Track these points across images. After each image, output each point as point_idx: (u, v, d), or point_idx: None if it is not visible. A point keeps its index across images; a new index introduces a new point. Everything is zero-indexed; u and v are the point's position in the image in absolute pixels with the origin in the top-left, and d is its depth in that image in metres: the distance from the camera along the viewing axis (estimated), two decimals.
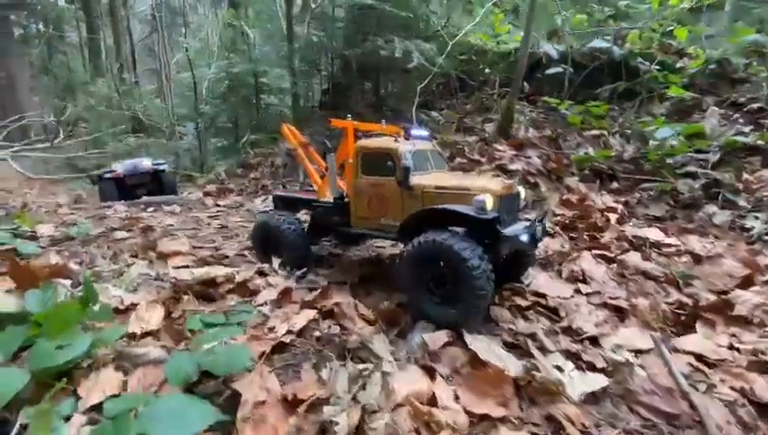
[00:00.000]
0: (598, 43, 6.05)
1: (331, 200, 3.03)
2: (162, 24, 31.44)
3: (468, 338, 1.96)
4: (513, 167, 4.82)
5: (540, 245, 2.90)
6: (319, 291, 2.60)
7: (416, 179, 2.56)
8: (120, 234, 3.98)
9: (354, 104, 8.79)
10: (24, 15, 30.14)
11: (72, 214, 4.85)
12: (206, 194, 5.73)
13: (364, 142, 2.86)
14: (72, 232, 3.86)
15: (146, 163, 6.80)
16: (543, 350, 2.05)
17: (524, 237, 2.24)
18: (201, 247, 3.67)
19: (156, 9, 24.74)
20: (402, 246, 2.75)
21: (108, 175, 6.36)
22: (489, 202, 2.18)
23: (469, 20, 7.87)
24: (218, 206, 5.10)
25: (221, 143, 11.27)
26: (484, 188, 2.35)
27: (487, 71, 7.96)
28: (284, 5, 8.86)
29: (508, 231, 2.29)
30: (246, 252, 3.59)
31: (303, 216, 3.52)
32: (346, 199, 2.97)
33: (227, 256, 3.47)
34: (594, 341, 2.20)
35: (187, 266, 3.19)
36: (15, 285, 2.42)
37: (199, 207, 5.11)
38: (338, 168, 3.23)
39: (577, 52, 6.85)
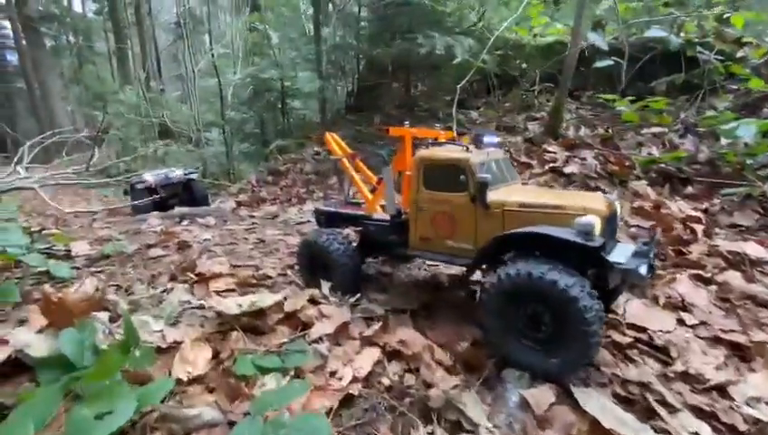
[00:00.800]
0: (654, 32, 5.55)
1: (387, 218, 2.72)
2: (187, 31, 31.80)
3: (580, 395, 1.61)
4: (568, 170, 4.41)
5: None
6: (379, 324, 2.30)
7: (493, 195, 2.19)
8: (156, 251, 3.78)
9: (383, 105, 8.49)
10: (55, 27, 30.99)
11: (106, 227, 4.71)
12: (239, 204, 5.51)
13: (428, 153, 2.49)
14: (106, 250, 3.67)
15: (177, 172, 6.66)
16: (666, 406, 1.68)
17: (643, 269, 1.83)
18: (241, 266, 3.42)
19: (181, 17, 24.97)
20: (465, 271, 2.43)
21: (140, 185, 6.24)
22: (598, 225, 1.81)
23: (504, 13, 7.44)
24: (253, 217, 4.87)
25: (247, 149, 11.13)
26: (585, 208, 1.97)
27: (525, 66, 7.51)
28: (312, 7, 8.61)
29: (617, 259, 1.89)
30: (289, 271, 3.32)
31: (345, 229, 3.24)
32: (404, 217, 2.63)
33: (269, 277, 3.21)
34: (721, 391, 1.81)
35: (229, 291, 2.94)
36: (49, 323, 2.21)
37: (234, 218, 4.89)
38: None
39: (626, 42, 6.34)
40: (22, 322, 2.53)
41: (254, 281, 3.09)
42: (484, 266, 2.46)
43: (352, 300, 2.59)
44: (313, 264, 2.87)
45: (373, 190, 2.91)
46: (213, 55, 11.90)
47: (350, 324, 2.32)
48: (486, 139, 2.47)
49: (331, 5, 9.22)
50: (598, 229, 1.79)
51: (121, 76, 30.38)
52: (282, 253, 3.75)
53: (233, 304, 2.28)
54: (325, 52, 8.55)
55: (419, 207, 2.44)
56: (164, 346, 2.11)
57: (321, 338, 2.20)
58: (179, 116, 23.38)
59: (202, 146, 15.27)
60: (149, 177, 6.46)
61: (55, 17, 28.92)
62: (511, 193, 2.25)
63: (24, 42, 27.46)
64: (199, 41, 33.55)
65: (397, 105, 7.88)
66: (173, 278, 3.11)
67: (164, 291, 2.90)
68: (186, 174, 6.68)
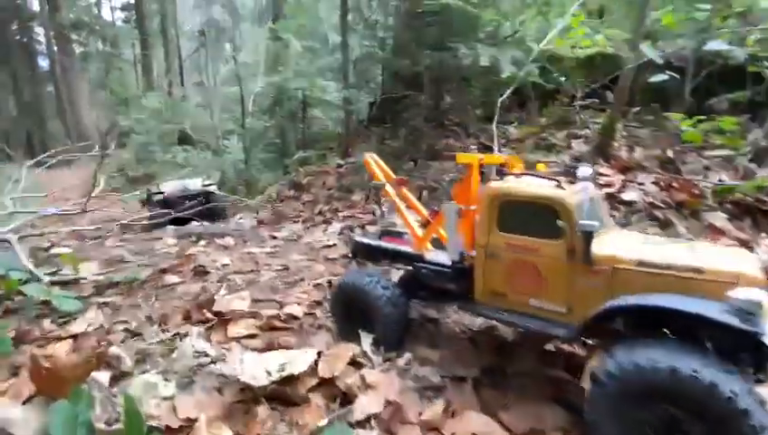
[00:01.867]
0: (716, 44, 5.02)
1: (445, 261, 2.20)
2: (209, 41, 32.20)
3: None
4: (627, 197, 3.89)
5: None
6: (440, 403, 1.82)
7: (596, 247, 1.68)
8: (171, 278, 3.37)
9: (410, 118, 8.04)
10: (85, 35, 31.53)
11: (119, 246, 4.33)
12: (260, 222, 5.10)
13: (506, 186, 1.98)
14: (117, 278, 3.28)
15: (195, 184, 6.31)
16: None
17: None
18: (263, 301, 2.98)
19: (206, 25, 25.14)
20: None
21: (157, 197, 5.89)
22: (763, 304, 1.31)
23: (541, 23, 6.95)
24: (275, 238, 4.45)
25: (266, 158, 10.78)
26: (739, 274, 1.46)
27: (563, 79, 6.99)
28: (339, 17, 8.26)
29: None
30: (318, 310, 2.87)
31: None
32: (468, 263, 2.12)
33: (296, 317, 2.76)
34: None
35: (251, 336, 2.50)
36: (38, 390, 1.78)
37: (254, 238, 4.48)
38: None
39: (677, 55, 5.80)
40: (15, 374, 2.13)
41: (279, 324, 2.64)
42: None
43: (402, 363, 2.11)
44: (350, 311, 2.40)
45: (425, 225, 2.43)
46: (235, 62, 11.61)
47: (403, 399, 1.85)
48: (581, 172, 1.97)
49: (356, 15, 8.86)
50: (765, 309, 1.29)
51: (145, 83, 30.75)
52: (307, 283, 3.30)
53: (260, 372, 1.82)
54: (351, 61, 8.17)
55: (491, 253, 1.95)
56: (174, 426, 1.67)
57: (368, 420, 1.73)
58: (199, 123, 23.38)
59: (221, 154, 15.05)
60: (167, 188, 6.11)
61: (86, 25, 29.40)
62: (620, 244, 1.74)
63: (55, 48, 27.92)
64: (221, 49, 33.84)
65: (425, 118, 7.42)
66: (187, 317, 2.68)
67: (176, 334, 2.47)
68: (204, 186, 6.32)
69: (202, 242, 4.22)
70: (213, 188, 6.39)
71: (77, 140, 29.35)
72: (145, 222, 6.43)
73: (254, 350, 2.31)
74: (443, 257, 2.28)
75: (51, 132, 30.88)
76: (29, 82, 29.81)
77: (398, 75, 9.13)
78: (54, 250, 4.00)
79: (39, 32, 29.77)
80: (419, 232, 2.45)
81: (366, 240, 2.73)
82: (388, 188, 2.70)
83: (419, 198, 4.94)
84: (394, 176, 2.82)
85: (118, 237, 5.50)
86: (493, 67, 5.24)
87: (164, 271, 3.58)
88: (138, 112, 23.26)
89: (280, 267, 3.64)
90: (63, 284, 3.25)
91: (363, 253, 2.77)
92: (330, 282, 3.24)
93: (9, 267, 3.10)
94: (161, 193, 5.99)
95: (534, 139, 6.00)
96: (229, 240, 4.32)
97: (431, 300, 2.55)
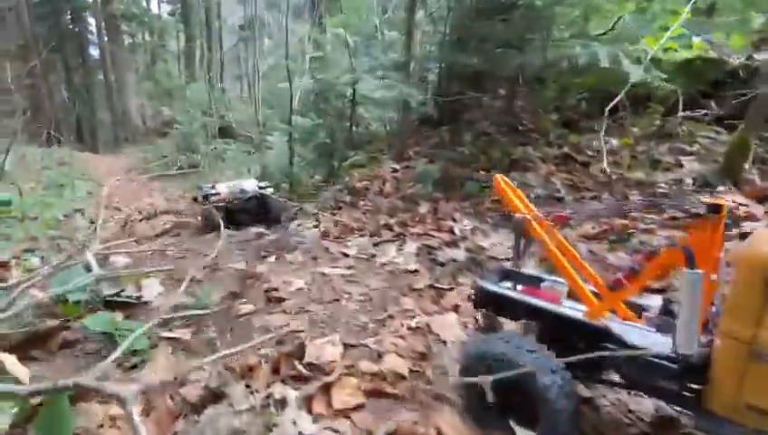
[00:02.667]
0: None
1: (663, 350, 1.53)
2: (255, 33, 32.37)
3: None
4: None
5: None
6: None
7: None
8: (245, 307, 2.88)
9: (473, 121, 7.37)
10: (134, 26, 32.17)
11: (181, 257, 3.89)
12: (325, 234, 4.58)
13: None
14: (187, 303, 2.81)
15: (252, 185, 5.85)
16: None
17: None
18: (355, 348, 2.44)
19: (252, 20, 25.21)
20: None
21: (213, 198, 5.47)
22: None
23: (640, 21, 6.13)
24: (346, 255, 3.92)
25: (311, 156, 10.31)
26: None
27: (658, 84, 6.16)
28: (406, 9, 7.65)
29: None
30: (427, 368, 2.31)
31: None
32: (702, 356, 1.47)
33: (402, 376, 2.21)
34: None
35: (359, 408, 1.96)
36: None
37: (323, 254, 3.96)
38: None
39: None
40: None
41: (388, 388, 2.09)
42: None
43: None
44: (493, 391, 1.82)
45: (615, 287, 1.78)
46: (286, 56, 11.18)
47: None
48: None
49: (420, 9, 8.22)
50: None
51: (188, 74, 31.12)
52: (399, 323, 2.75)
53: None
54: (414, 58, 7.56)
55: (758, 353, 1.32)
56: None
57: None
58: (241, 116, 23.40)
59: (263, 149, 14.77)
60: (223, 188, 5.67)
61: (135, 16, 29.95)
62: None
63: (105, 38, 28.56)
64: (261, 44, 33.92)
65: (494, 122, 6.73)
66: (276, 370, 2.17)
67: (269, 397, 1.95)
68: (260, 187, 5.86)
69: (271, 258, 3.73)
70: (269, 191, 5.92)
71: (123, 127, 30.05)
72: (199, 222, 6.06)
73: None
74: (643, 335, 1.65)
75: (99, 119, 31.70)
76: (80, 70, 30.64)
77: (454, 73, 8.46)
78: (112, 259, 3.60)
79: (91, 22, 30.51)
80: (589, 295, 1.82)
81: (501, 290, 2.13)
82: (536, 225, 2.09)
83: (505, 218, 4.31)
84: (535, 210, 2.20)
85: (172, 239, 5.13)
86: (616, 68, 4.50)
87: (234, 294, 3.10)
88: (181, 103, 23.47)
89: (362, 297, 3.10)
90: (125, 307, 2.82)
91: (493, 305, 2.17)
92: (429, 327, 2.68)
93: (69, 286, 2.69)
94: (217, 194, 5.57)
95: (629, 152, 5.24)
96: (297, 255, 3.82)
97: (595, 381, 1.94)
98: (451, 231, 4.27)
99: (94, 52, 32.79)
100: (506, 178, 2.33)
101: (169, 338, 2.46)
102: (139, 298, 2.89)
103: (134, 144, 29.03)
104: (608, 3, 6.14)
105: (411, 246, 4.03)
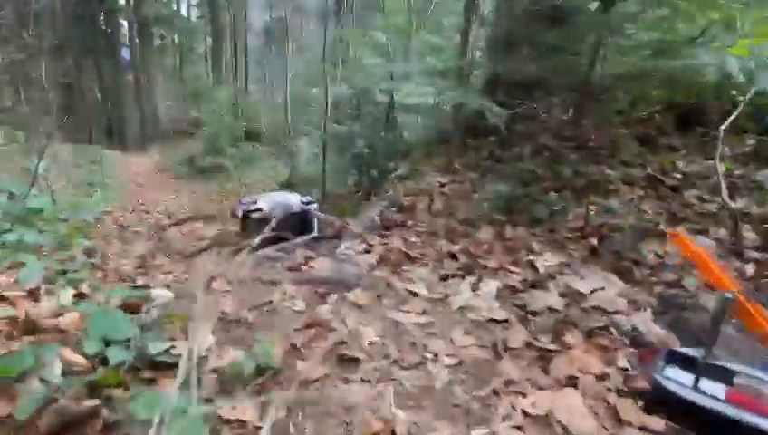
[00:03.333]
0: None
1: None
2: (274, 39, 32.28)
3: None
4: None
5: None
6: None
7: None
8: (313, 368, 2.31)
9: (528, 134, 6.69)
10: (165, 29, 32.35)
11: (227, 292, 3.35)
12: (382, 261, 4.00)
13: None
14: (244, 364, 2.25)
15: (295, 200, 5.31)
16: None
17: None
18: None
19: (279, 22, 24.99)
20: None
21: (256, 215, 4.95)
22: None
23: (726, 29, 5.39)
24: (413, 294, 3.32)
25: (343, 165, 9.75)
26: None
27: (742, 98, 5.41)
28: (464, 13, 7.04)
29: None
30: None
31: None
32: None
33: None
34: None
35: None
36: None
37: (385, 290, 3.37)
38: None
39: None
40: None
41: None
42: None
43: None
44: None
45: None
46: (323, 58, 10.65)
47: None
48: None
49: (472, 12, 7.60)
50: None
51: (215, 77, 31.19)
52: (509, 402, 2.14)
53: None
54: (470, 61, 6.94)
55: None
56: None
57: None
58: (267, 120, 23.10)
59: (292, 155, 14.30)
60: (265, 203, 5.16)
61: (166, 19, 30.10)
62: None
63: (136, 40, 28.73)
64: (284, 48, 33.88)
65: (555, 135, 6.05)
66: None
67: None
68: (304, 203, 5.32)
69: (332, 297, 3.15)
70: (314, 207, 5.38)
71: (152, 127, 30.20)
72: (238, 236, 5.56)
73: None
74: None
75: (128, 119, 32.00)
76: (111, 71, 30.93)
77: (501, 80, 7.80)
78: (153, 293, 3.07)
79: (124, 24, 30.80)
80: None
81: (706, 402, 1.50)
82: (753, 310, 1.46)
83: (593, 253, 3.66)
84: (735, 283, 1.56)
85: (212, 259, 4.61)
86: (729, 77, 3.82)
87: (295, 347, 2.53)
88: (207, 105, 23.37)
89: (451, 360, 2.49)
90: (169, 367, 2.27)
91: (674, 409, 1.55)
92: (551, 414, 2.05)
93: (108, 336, 2.16)
94: (259, 210, 5.05)
95: (714, 176, 4.51)
96: (360, 293, 3.23)
97: None
98: (532, 266, 3.63)
99: (125, 53, 33.20)
100: (683, 235, 1.70)
101: (232, 420, 1.90)
102: (190, 354, 2.34)
103: (161, 144, 29.16)
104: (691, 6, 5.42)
105: (489, 285, 3.41)
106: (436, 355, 2.51)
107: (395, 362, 2.43)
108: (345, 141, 8.81)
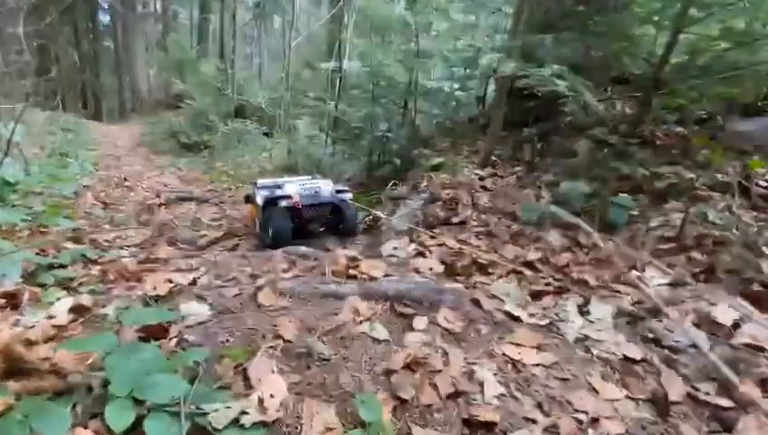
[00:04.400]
0: None
1: None
2: (264, 14, 30.65)
3: None
4: None
5: None
6: None
7: None
8: None
9: (556, 120, 6.00)
10: None
11: (269, 312, 2.50)
12: (448, 268, 3.25)
13: None
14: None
15: (328, 189, 4.46)
16: None
17: None
18: None
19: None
20: None
21: (283, 202, 4.06)
22: None
23: None
24: (512, 318, 2.59)
25: (358, 150, 8.88)
26: None
27: None
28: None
29: None
30: None
31: None
32: None
33: None
34: None
35: None
36: None
37: (475, 311, 2.62)
38: None
39: None
40: None
41: None
42: None
43: None
44: None
45: None
46: (342, 38, 9.62)
47: None
48: None
49: None
50: None
51: (201, 49, 29.29)
52: None
53: None
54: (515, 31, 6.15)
55: None
56: None
57: None
58: (256, 96, 21.64)
59: (291, 135, 13.22)
60: (292, 189, 4.27)
61: None
62: None
63: (118, 6, 26.51)
64: (275, 24, 32.30)
65: (613, 131, 5.39)
66: None
67: None
68: (338, 191, 4.48)
69: (421, 323, 2.38)
70: (348, 196, 4.54)
71: (131, 97, 28.15)
72: (251, 228, 4.67)
73: None
74: None
75: (105, 86, 29.72)
76: (89, 35, 28.50)
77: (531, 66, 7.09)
78: (184, 309, 2.21)
79: None
80: None
81: None
82: None
83: (709, 272, 3.03)
84: None
85: (228, 252, 3.74)
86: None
87: (402, 402, 1.77)
88: (193, 77, 21.73)
89: (616, 427, 1.79)
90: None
91: None
92: None
93: (141, 394, 1.35)
94: (286, 196, 4.16)
95: None
96: (449, 315, 2.48)
97: None
98: (638, 284, 2.96)
99: (104, 18, 30.76)
100: None
101: None
102: (264, 411, 1.53)
103: (141, 115, 27.28)
104: None
105: (599, 309, 2.72)
106: (594, 419, 1.80)
107: (545, 430, 1.70)
108: (359, 124, 7.92)
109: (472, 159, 6.50)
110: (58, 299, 2.31)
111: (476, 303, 2.70)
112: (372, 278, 3.08)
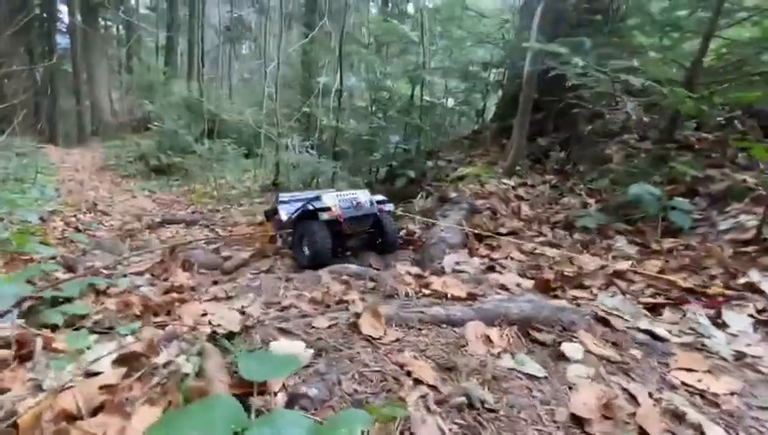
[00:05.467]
0: None
1: None
2: (233, 37, 30.22)
3: None
4: None
5: None
6: None
7: None
8: None
9: (606, 133, 5.83)
10: (110, 15, 28.89)
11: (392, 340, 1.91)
12: (540, 285, 2.79)
13: None
14: None
15: (367, 199, 3.91)
16: None
17: None
18: None
19: (233, 22, 23.15)
20: None
21: (325, 215, 3.46)
22: None
23: None
24: (654, 336, 2.15)
25: (356, 164, 8.44)
26: None
27: None
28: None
29: None
30: None
31: None
32: None
33: None
34: None
35: None
36: None
37: (602, 330, 2.16)
38: None
39: None
40: None
41: None
42: None
43: None
44: None
45: None
46: (339, 50, 9.23)
47: None
48: None
49: None
50: None
51: (169, 71, 28.23)
52: None
53: None
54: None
55: None
56: None
57: None
58: (231, 115, 20.82)
59: (279, 152, 12.53)
60: (330, 200, 3.69)
61: (110, 6, 26.68)
62: None
63: (78, 26, 25.20)
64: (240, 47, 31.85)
65: (641, 135, 5.25)
66: None
67: None
68: (378, 202, 3.94)
69: (572, 348, 1.87)
70: (390, 207, 4.01)
71: (92, 120, 26.49)
72: (278, 246, 4.04)
73: None
74: None
75: (63, 110, 27.80)
76: (44, 58, 26.73)
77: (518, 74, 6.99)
78: (275, 346, 1.60)
79: (62, 9, 27.05)
80: None
81: None
82: None
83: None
84: None
85: (269, 278, 3.10)
86: None
87: None
88: (162, 98, 20.69)
89: None
90: None
91: None
92: None
93: None
94: (325, 208, 3.58)
95: None
96: (589, 338, 2.00)
97: None
98: (754, 289, 2.64)
99: (63, 40, 29.17)
100: None
101: None
102: None
103: (104, 139, 25.65)
104: None
105: (734, 320, 2.35)
106: None
107: None
108: (369, 136, 7.48)
109: (490, 169, 6.19)
110: (88, 348, 1.63)
111: (604, 322, 2.24)
112: (457, 298, 2.58)
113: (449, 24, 7.26)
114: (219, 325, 1.85)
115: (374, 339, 1.80)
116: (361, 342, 1.78)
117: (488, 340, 1.86)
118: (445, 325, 1.99)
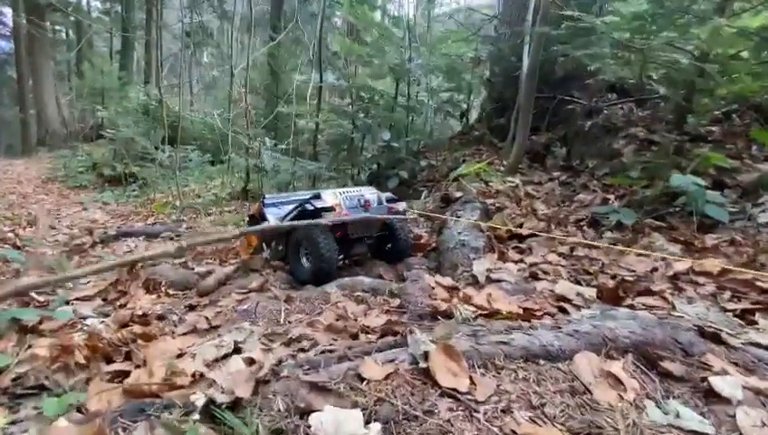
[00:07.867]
0: None
1: None
2: (193, 43, 29.04)
3: None
4: None
5: None
6: None
7: None
8: None
9: (610, 127, 5.51)
10: (59, 19, 26.77)
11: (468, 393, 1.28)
12: (603, 295, 2.27)
13: None
14: None
15: (374, 198, 3.24)
16: None
17: None
18: None
19: (193, 27, 22.05)
20: None
21: (328, 214, 2.76)
22: None
23: None
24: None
25: (338, 164, 7.80)
26: None
27: None
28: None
29: None
30: None
31: None
32: None
33: None
34: None
35: None
36: None
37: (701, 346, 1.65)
38: None
39: None
40: None
41: None
42: None
43: None
44: None
45: None
46: (318, 51, 8.49)
47: None
48: None
49: None
50: None
51: (124, 77, 26.36)
52: None
53: None
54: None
55: None
56: None
57: None
58: (199, 124, 19.60)
59: (251, 157, 11.60)
60: (332, 198, 3.00)
61: (60, 9, 24.65)
62: None
63: (23, 30, 23.11)
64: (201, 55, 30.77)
65: (648, 128, 4.95)
66: None
67: None
68: (388, 200, 3.30)
69: (723, 385, 1.34)
70: (402, 207, 3.37)
71: (40, 128, 24.28)
72: (261, 258, 3.32)
73: None
74: None
75: (5, 119, 25.34)
76: None
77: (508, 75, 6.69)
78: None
79: (5, 12, 24.83)
80: None
81: None
82: None
83: None
84: None
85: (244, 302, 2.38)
86: None
87: None
88: (117, 105, 19.16)
89: None
90: None
91: None
92: None
93: None
94: (329, 208, 2.89)
95: None
96: (675, 366, 1.47)
97: None
98: None
99: (7, 44, 26.79)
100: None
101: None
102: None
103: (52, 148, 23.54)
104: None
105: None
106: None
107: None
108: (352, 136, 6.84)
109: (489, 168, 5.73)
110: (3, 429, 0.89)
111: (716, 338, 1.72)
112: (513, 316, 2.00)
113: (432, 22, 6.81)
114: (214, 382, 1.15)
115: (461, 393, 1.16)
116: (443, 400, 1.13)
117: (615, 380, 1.28)
118: (542, 360, 1.39)
